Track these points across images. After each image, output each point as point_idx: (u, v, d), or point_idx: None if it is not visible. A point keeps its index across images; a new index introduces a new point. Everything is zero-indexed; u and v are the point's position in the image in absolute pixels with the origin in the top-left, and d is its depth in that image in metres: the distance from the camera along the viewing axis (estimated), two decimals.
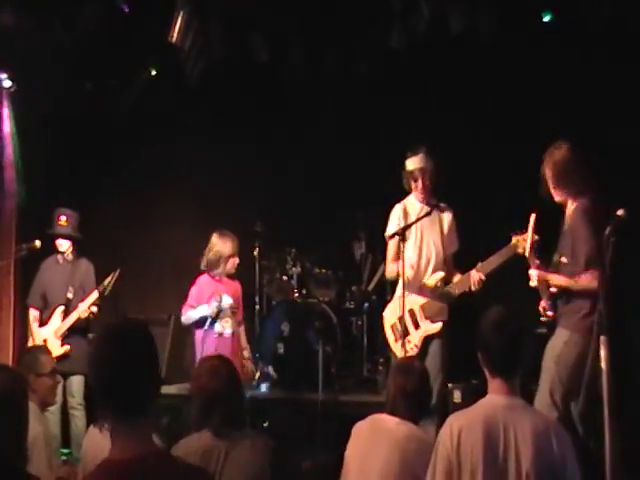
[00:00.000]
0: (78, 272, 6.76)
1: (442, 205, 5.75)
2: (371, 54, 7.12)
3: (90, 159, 8.17)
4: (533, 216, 5.04)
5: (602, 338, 4.40)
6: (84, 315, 6.52)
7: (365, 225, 7.18)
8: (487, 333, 3.25)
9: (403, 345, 5.41)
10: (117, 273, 6.62)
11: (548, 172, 4.95)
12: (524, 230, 5.09)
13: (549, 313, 4.91)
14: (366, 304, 7.29)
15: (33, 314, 6.79)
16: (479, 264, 5.46)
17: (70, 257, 6.79)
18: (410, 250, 5.63)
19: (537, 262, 4.88)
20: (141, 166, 8.28)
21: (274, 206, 7.64)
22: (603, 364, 4.46)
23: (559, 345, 4.75)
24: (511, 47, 6.83)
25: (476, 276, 5.41)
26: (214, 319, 6.22)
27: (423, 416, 4.09)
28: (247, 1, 6.95)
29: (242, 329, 6.58)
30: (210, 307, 6.19)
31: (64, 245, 6.75)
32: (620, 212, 4.55)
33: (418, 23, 6.54)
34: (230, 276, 6.44)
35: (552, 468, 3.05)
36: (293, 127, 7.86)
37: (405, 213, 5.77)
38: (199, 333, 6.28)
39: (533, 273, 4.92)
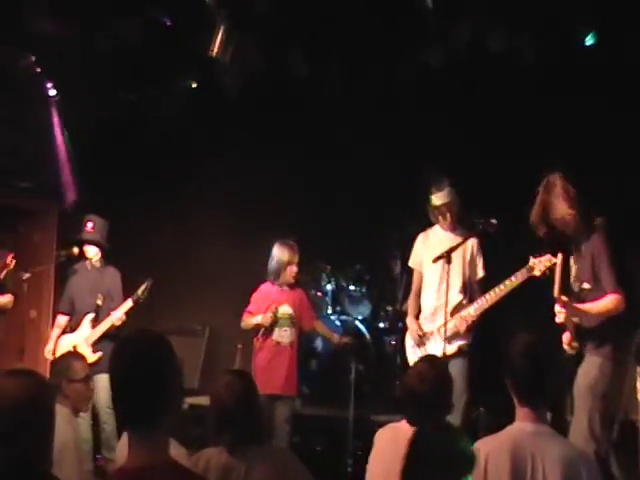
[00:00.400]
0: (106, 279, 6.77)
1: (470, 233, 5.86)
2: (410, 72, 7.08)
3: (128, 169, 8.23)
4: (560, 255, 4.93)
5: (638, 369, 4.35)
6: (118, 323, 6.53)
7: (401, 243, 7.14)
8: (514, 360, 3.21)
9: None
10: (150, 282, 6.64)
11: (563, 196, 4.82)
12: (542, 254, 5.16)
13: (574, 344, 4.78)
14: (400, 323, 7.22)
15: (61, 320, 6.82)
16: (492, 291, 5.59)
17: (98, 264, 6.80)
18: (434, 277, 5.88)
19: (565, 299, 4.75)
20: (179, 178, 8.34)
21: (310, 221, 7.65)
22: (639, 395, 4.41)
23: (594, 373, 4.62)
24: (550, 70, 6.77)
25: (464, 319, 5.67)
26: (267, 329, 6.22)
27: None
28: (287, 15, 6.95)
29: (320, 324, 6.57)
30: (265, 316, 6.20)
31: (91, 251, 6.76)
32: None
33: (458, 43, 6.51)
34: (293, 285, 6.41)
35: None
36: (330, 143, 7.86)
37: (426, 243, 6.06)
38: (256, 341, 6.32)
39: (561, 310, 4.77)
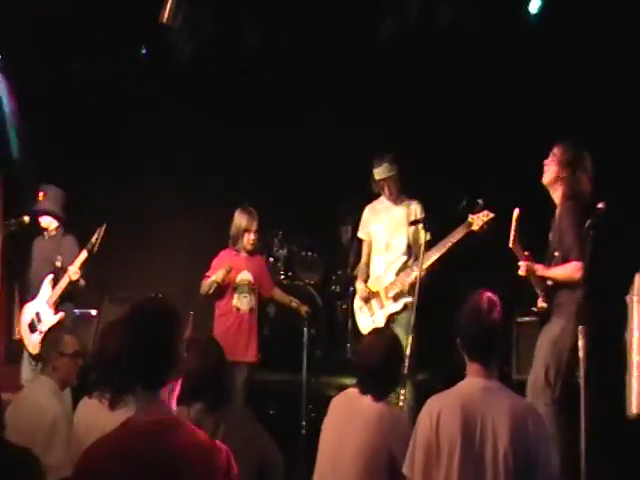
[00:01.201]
0: (63, 246, 6.72)
1: (411, 200, 6.08)
2: (360, 45, 7.14)
3: (80, 140, 8.17)
4: (517, 211, 5.16)
5: (580, 328, 4.54)
6: (75, 277, 6.45)
7: (352, 209, 7.24)
8: (466, 320, 3.33)
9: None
10: (103, 229, 6.55)
11: (564, 161, 5.04)
12: (481, 210, 5.43)
13: (543, 304, 5.03)
14: (351, 288, 7.35)
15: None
16: (434, 247, 5.74)
17: (54, 233, 6.76)
18: (382, 244, 6.09)
19: (526, 253, 4.98)
20: (129, 147, 8.31)
21: (261, 189, 7.68)
22: (581, 353, 4.61)
23: (556, 331, 4.85)
24: (497, 42, 6.90)
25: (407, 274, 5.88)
26: (224, 290, 6.25)
27: (392, 390, 4.17)
28: None
29: (278, 292, 6.60)
30: (217, 273, 6.21)
31: (45, 221, 6.72)
32: (600, 205, 4.67)
33: (408, 16, 6.59)
34: (252, 252, 6.42)
35: (527, 448, 3.14)
36: (280, 111, 7.91)
37: (373, 213, 6.24)
38: (216, 309, 6.37)
39: (522, 264, 5.04)
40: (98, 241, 6.52)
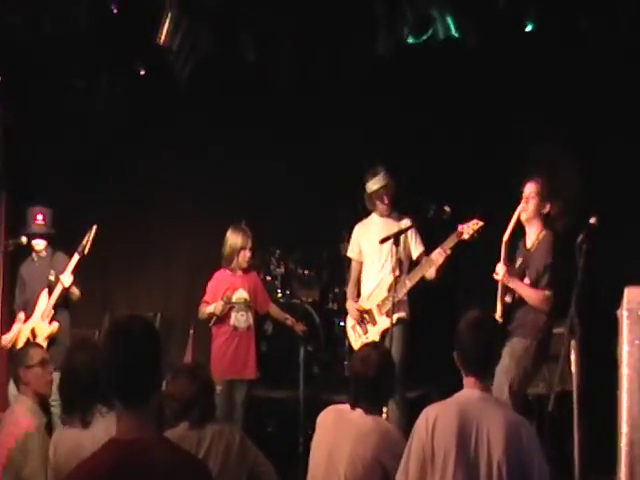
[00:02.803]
0: (55, 262, 6.72)
1: (402, 216, 6.16)
2: (357, 59, 7.18)
3: (79, 157, 8.22)
4: (519, 209, 5.31)
5: (572, 342, 4.55)
6: (67, 283, 6.47)
7: (348, 225, 7.25)
8: (464, 335, 3.42)
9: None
10: (93, 231, 6.58)
11: (543, 197, 5.25)
12: (470, 220, 5.55)
13: (498, 313, 5.23)
14: None
15: (20, 318, 6.75)
16: (425, 258, 5.89)
17: (44, 254, 6.76)
18: (373, 262, 6.15)
19: (507, 265, 5.14)
20: (129, 164, 8.35)
21: (258, 206, 7.72)
22: (573, 367, 4.62)
23: (520, 351, 5.10)
24: (494, 56, 6.94)
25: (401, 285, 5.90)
26: (220, 317, 6.29)
27: (384, 404, 4.26)
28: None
29: (274, 307, 6.67)
30: (216, 306, 6.25)
31: (41, 244, 6.72)
32: (592, 220, 4.71)
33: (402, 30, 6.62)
34: (246, 270, 6.47)
35: (521, 459, 3.21)
36: (278, 127, 7.93)
37: (362, 232, 6.30)
38: (214, 329, 6.40)
39: (501, 269, 5.22)
40: (89, 243, 6.54)
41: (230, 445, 3.73)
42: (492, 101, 7.10)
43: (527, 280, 5.26)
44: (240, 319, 6.33)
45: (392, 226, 6.06)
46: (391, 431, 3.94)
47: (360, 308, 6.18)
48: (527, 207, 5.28)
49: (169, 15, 6.79)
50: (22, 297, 6.84)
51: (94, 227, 6.60)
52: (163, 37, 6.84)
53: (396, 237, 5.68)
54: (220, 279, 6.42)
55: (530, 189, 5.31)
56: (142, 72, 7.81)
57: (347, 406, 4.00)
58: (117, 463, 2.40)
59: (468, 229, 5.55)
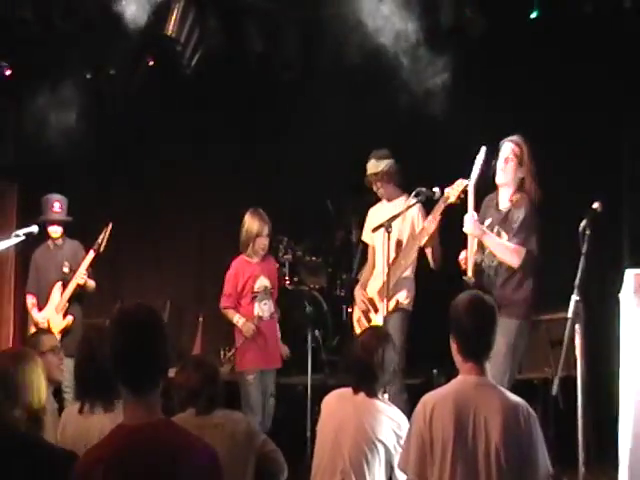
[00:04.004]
0: (68, 252, 6.85)
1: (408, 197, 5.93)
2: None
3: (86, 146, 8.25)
4: (483, 149, 5.21)
5: (577, 327, 4.58)
6: (82, 280, 6.61)
7: (357, 212, 7.27)
8: (461, 319, 3.39)
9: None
10: (109, 228, 6.69)
11: (525, 158, 5.14)
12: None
13: (471, 278, 5.11)
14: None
15: (31, 301, 6.88)
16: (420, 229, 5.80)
17: (60, 242, 6.88)
18: (379, 246, 5.97)
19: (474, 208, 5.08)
20: (138, 155, 8.40)
21: (266, 194, 7.74)
22: (578, 352, 4.65)
23: (514, 334, 4.99)
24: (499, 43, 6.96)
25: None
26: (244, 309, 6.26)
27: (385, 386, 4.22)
28: None
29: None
30: (247, 327, 6.17)
31: (58, 231, 6.83)
32: (596, 205, 4.73)
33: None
34: (265, 256, 6.38)
35: (519, 444, 3.21)
36: (284, 117, 7.96)
37: (372, 216, 6.23)
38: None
39: (470, 219, 5.09)
40: (104, 240, 6.66)
41: (235, 432, 3.80)
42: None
43: (505, 236, 5.12)
44: (263, 308, 6.28)
45: (396, 208, 5.91)
46: (393, 413, 4.02)
47: (365, 297, 6.16)
48: (505, 168, 5.17)
49: (177, 6, 6.85)
50: (35, 283, 6.93)
51: (110, 225, 6.71)
52: (171, 28, 6.89)
53: (388, 224, 5.55)
54: (239, 269, 6.32)
55: (507, 151, 5.19)
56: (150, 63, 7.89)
57: (350, 390, 4.09)
58: (125, 448, 2.49)
59: (454, 191, 5.41)
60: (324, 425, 4.10)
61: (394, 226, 5.63)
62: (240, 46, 7.42)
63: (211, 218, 8.16)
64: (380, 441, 3.88)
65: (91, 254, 6.65)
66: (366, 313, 6.13)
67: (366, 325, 6.05)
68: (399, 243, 5.92)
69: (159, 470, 2.46)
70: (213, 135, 8.25)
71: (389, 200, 6.16)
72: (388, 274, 5.53)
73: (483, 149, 5.17)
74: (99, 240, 6.67)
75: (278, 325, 6.51)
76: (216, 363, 4.16)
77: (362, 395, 4.00)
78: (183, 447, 2.51)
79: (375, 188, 6.15)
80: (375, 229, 5.76)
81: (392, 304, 5.81)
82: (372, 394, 4.01)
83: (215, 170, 8.27)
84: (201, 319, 8.13)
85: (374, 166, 6.09)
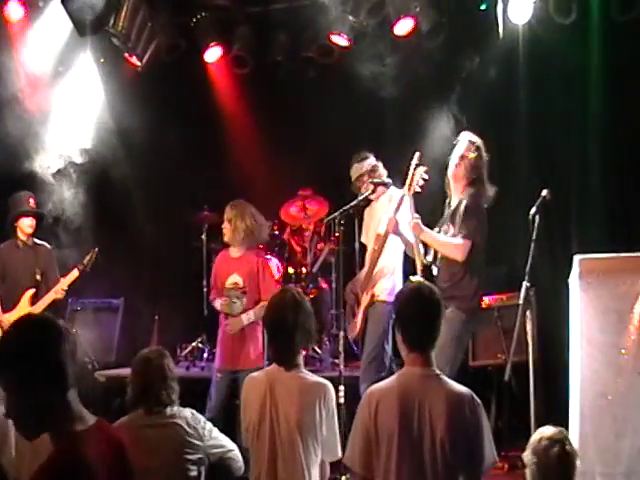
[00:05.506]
0: (40, 257, 6.70)
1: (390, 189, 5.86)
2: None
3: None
4: (417, 154, 5.24)
5: (527, 313, 4.67)
6: (60, 296, 6.54)
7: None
8: (406, 311, 3.37)
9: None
10: (96, 251, 6.65)
11: (471, 159, 5.17)
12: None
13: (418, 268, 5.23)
14: (310, 285, 7.49)
15: None
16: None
17: (30, 242, 6.72)
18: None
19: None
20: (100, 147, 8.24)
21: (220, 189, 7.73)
22: (529, 337, 4.74)
23: (458, 327, 5.00)
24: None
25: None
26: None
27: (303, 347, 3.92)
28: None
29: (261, 305, 5.80)
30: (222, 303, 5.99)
31: (32, 225, 6.63)
32: (544, 192, 4.82)
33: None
34: (248, 249, 6.06)
35: (465, 433, 3.19)
36: (281, 110, 7.99)
37: (369, 216, 6.11)
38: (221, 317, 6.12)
39: (411, 222, 5.17)
40: (90, 263, 6.63)
41: (182, 430, 3.80)
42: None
43: (452, 231, 5.13)
44: (233, 306, 5.92)
45: (385, 207, 5.80)
46: (320, 383, 3.78)
47: (352, 290, 6.03)
48: (460, 164, 5.15)
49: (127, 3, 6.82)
50: (1, 284, 6.69)
51: (96, 249, 6.68)
52: (121, 23, 6.86)
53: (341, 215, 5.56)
54: (217, 262, 6.22)
55: (462, 148, 5.19)
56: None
57: (277, 368, 3.81)
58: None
59: (411, 182, 5.23)
60: (250, 402, 3.88)
61: (378, 220, 5.70)
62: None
63: (171, 214, 8.07)
64: (312, 416, 3.72)
65: (75, 272, 6.59)
66: (353, 307, 6.04)
67: (351, 319, 5.96)
68: (378, 237, 5.81)
69: None
70: (177, 130, 8.09)
71: (377, 199, 6.02)
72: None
73: (417, 154, 5.22)
74: (84, 262, 6.62)
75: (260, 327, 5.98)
76: (165, 361, 3.95)
77: (281, 369, 3.79)
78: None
79: (364, 190, 5.92)
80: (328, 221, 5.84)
81: (368, 298, 5.80)
82: (290, 366, 3.78)
83: (176, 168, 8.15)
84: (156, 317, 8.09)
85: (356, 170, 6.01)
